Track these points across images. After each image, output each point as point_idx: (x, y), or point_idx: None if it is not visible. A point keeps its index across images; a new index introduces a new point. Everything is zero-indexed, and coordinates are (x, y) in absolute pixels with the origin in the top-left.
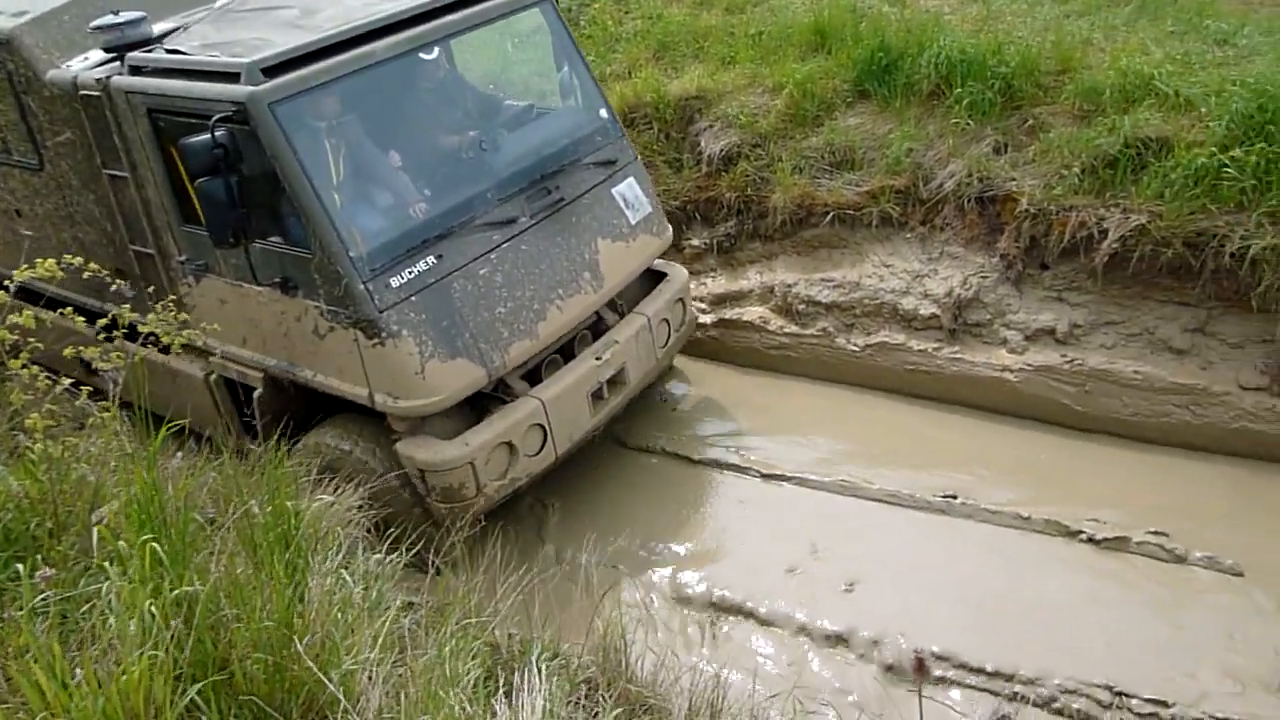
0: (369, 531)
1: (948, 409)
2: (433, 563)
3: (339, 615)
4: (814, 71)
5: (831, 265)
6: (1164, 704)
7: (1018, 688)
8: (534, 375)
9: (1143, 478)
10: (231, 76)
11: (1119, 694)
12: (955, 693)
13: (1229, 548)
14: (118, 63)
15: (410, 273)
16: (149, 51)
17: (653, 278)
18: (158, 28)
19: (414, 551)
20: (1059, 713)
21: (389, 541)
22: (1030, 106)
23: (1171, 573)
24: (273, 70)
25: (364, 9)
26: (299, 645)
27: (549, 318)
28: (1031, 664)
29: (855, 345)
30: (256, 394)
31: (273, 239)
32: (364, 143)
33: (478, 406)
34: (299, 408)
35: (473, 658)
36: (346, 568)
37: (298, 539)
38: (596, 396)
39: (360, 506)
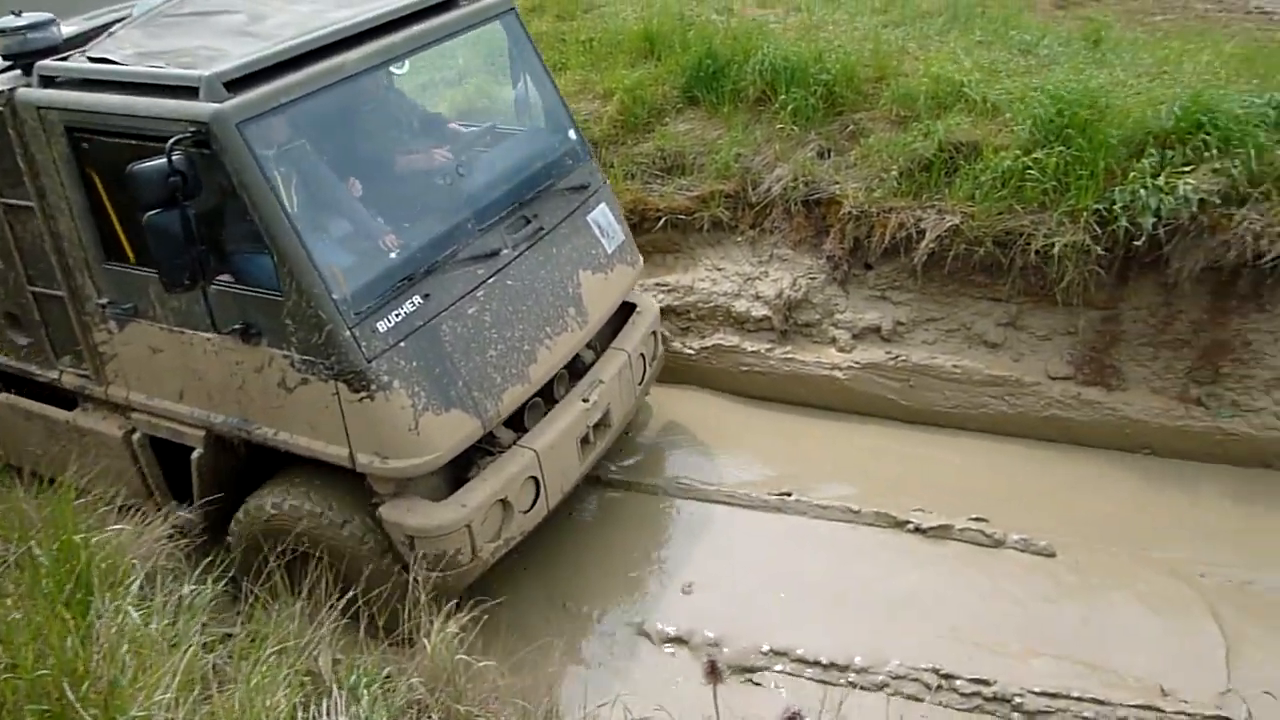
0: (183, 561)
1: (782, 408)
2: (246, 591)
3: (128, 656)
4: (644, 78)
5: (665, 270)
6: (986, 683)
7: (852, 677)
8: (513, 420)
9: (964, 466)
10: (187, 91)
11: (945, 676)
12: (793, 686)
13: (1042, 529)
14: (20, 72)
15: (397, 315)
16: (63, 59)
17: (621, 308)
18: (64, 32)
19: (228, 579)
20: (890, 698)
21: (199, 571)
22: (851, 112)
23: (991, 556)
24: (234, 85)
25: (316, 17)
26: (70, 693)
27: (539, 359)
28: (865, 653)
29: (691, 348)
30: (195, 455)
31: (232, 279)
32: (338, 168)
33: (458, 459)
34: (246, 469)
35: (287, 688)
36: (147, 603)
37: (86, 576)
38: (584, 441)
39: (170, 536)
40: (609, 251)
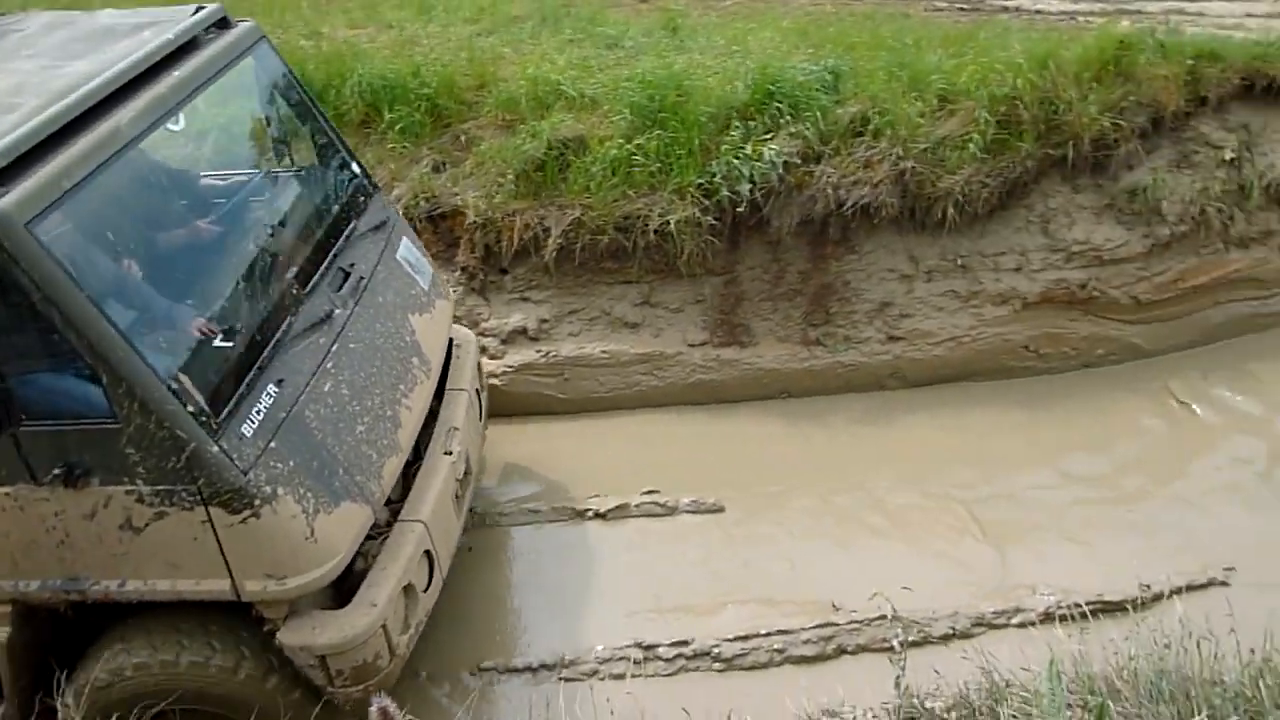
0: None
1: None
2: None
3: None
4: None
5: None
6: (685, 643)
7: (563, 673)
8: None
9: (628, 445)
10: None
11: (647, 647)
12: (502, 699)
13: (709, 488)
14: None
15: (258, 412)
16: None
17: None
18: None
19: None
20: (598, 683)
21: None
22: (459, 123)
23: (668, 524)
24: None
25: (51, 75)
26: None
27: (404, 422)
28: (570, 647)
29: None
30: (4, 637)
31: (40, 415)
32: (143, 254)
33: None
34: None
35: None
36: None
37: None
38: (456, 497)
39: None
40: (426, 288)
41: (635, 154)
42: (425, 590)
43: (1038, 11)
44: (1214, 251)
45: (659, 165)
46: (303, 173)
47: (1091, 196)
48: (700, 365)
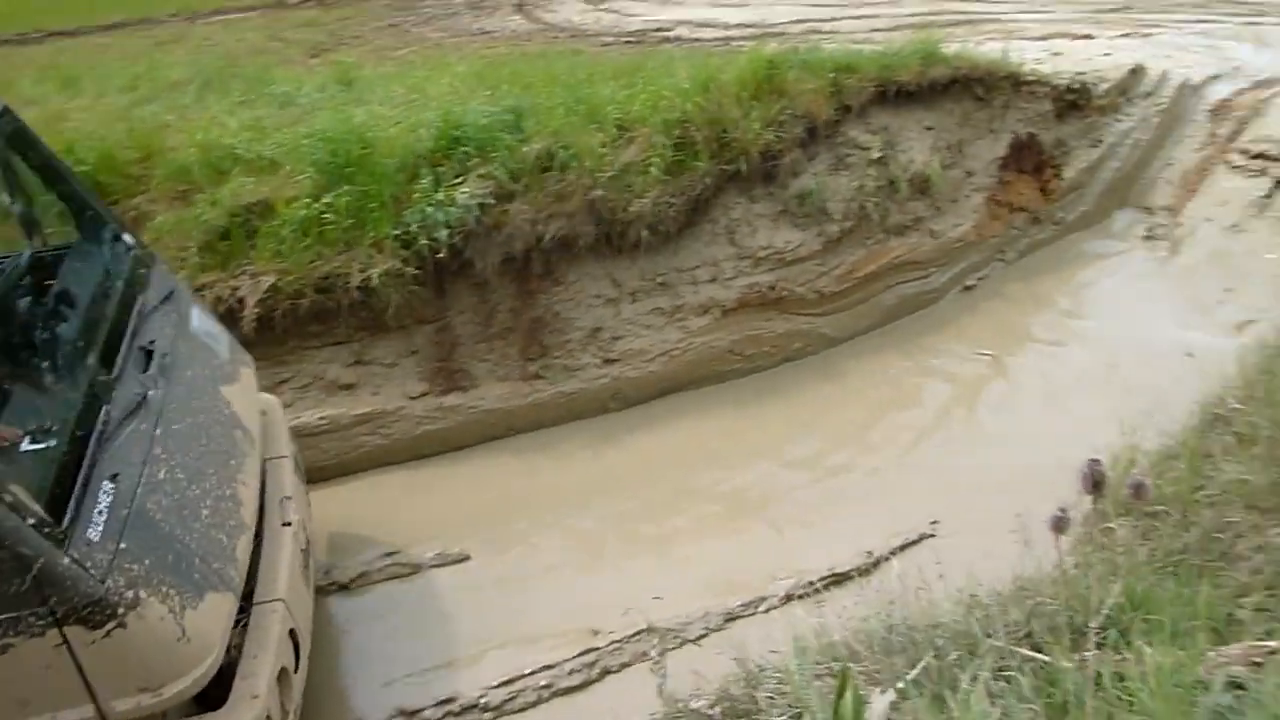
0: None
1: None
2: None
3: None
4: None
5: None
6: (450, 700)
7: None
8: None
9: (363, 509)
10: None
11: (411, 713)
12: None
13: (452, 539)
14: None
15: (100, 513)
16: None
17: None
18: None
19: None
20: None
21: None
22: (126, 199)
23: (416, 583)
24: None
25: None
26: None
27: (243, 499)
28: None
29: None
30: None
31: None
32: None
33: None
34: None
35: None
36: None
37: None
38: (304, 568)
39: None
40: (227, 357)
41: (325, 212)
42: (295, 672)
43: (696, 40)
44: (877, 241)
45: (352, 221)
46: (75, 250)
47: (767, 204)
48: (424, 416)
